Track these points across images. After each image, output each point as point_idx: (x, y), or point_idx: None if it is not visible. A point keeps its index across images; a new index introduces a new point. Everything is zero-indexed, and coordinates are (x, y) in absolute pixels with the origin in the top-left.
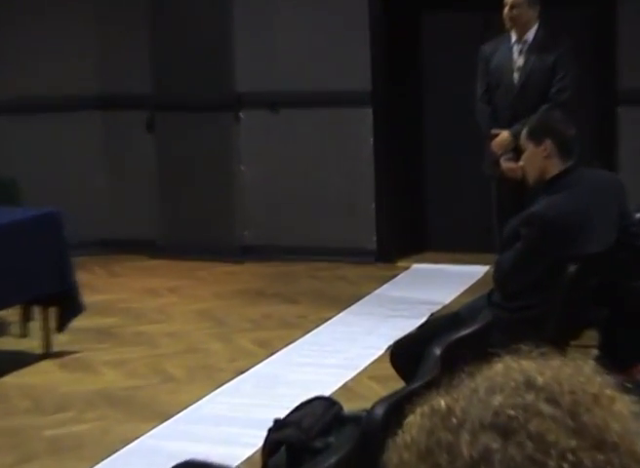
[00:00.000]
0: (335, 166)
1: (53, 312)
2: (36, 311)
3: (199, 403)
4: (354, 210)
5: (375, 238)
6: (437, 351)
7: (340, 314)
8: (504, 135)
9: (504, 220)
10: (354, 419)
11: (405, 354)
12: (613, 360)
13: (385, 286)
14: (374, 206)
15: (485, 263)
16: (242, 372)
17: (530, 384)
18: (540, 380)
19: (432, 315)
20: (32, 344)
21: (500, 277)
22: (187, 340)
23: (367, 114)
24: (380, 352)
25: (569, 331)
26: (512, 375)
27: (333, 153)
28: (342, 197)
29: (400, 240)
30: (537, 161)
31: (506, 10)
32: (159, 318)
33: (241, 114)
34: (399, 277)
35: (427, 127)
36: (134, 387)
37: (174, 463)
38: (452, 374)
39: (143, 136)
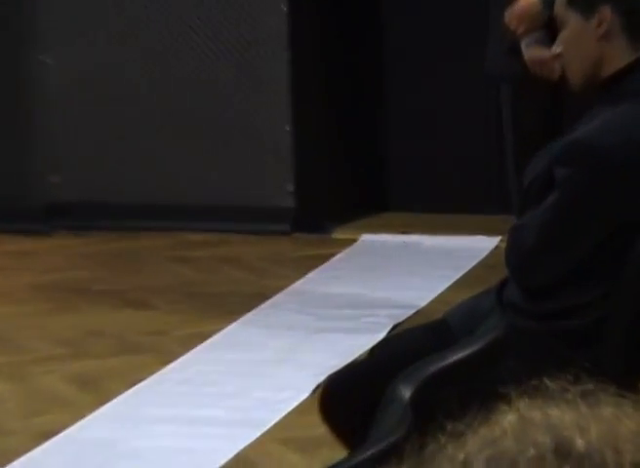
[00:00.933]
0: (217, 56)
1: None
2: None
3: None
4: (255, 139)
5: (292, 189)
6: (405, 392)
7: (231, 326)
8: None
9: (526, 156)
10: None
11: (347, 398)
12: None
13: (311, 275)
14: (289, 130)
15: (490, 233)
16: (48, 438)
17: (564, 452)
18: (580, 444)
19: (396, 327)
20: None
21: (519, 257)
22: None
23: None
24: (305, 395)
25: None
26: (532, 436)
27: (214, 33)
28: (233, 117)
29: (337, 193)
30: (586, 46)
31: None
32: None
33: None
34: (337, 258)
35: None
36: None
37: None
38: (425, 436)
39: None
